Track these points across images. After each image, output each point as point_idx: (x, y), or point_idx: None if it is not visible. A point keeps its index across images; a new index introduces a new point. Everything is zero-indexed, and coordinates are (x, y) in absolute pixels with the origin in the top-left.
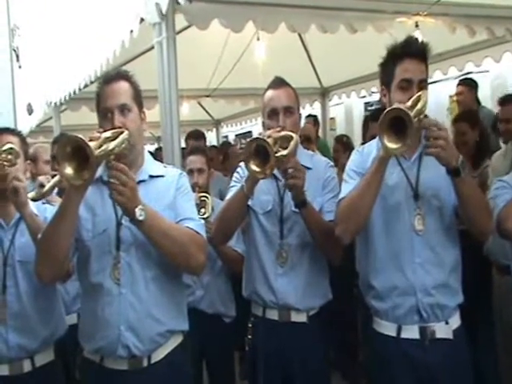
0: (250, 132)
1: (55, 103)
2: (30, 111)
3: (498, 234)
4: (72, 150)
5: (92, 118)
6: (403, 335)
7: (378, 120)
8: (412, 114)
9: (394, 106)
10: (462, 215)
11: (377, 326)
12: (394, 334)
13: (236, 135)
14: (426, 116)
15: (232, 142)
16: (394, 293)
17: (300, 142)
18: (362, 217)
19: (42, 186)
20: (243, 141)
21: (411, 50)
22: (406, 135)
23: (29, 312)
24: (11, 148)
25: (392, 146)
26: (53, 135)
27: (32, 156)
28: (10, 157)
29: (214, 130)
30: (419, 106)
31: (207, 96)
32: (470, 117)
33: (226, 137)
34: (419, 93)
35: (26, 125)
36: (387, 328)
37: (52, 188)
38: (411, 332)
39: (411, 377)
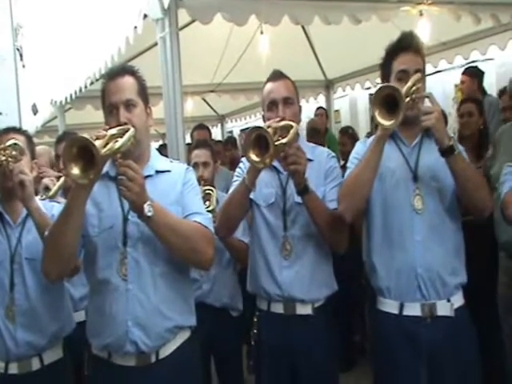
0: None
1: (60, 102)
2: (35, 111)
3: (504, 220)
4: (78, 150)
5: (97, 116)
6: (405, 312)
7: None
8: (403, 91)
9: (384, 84)
10: (460, 193)
11: (380, 304)
12: (396, 311)
13: (241, 130)
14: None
15: (237, 137)
16: (396, 270)
17: (310, 135)
18: (363, 193)
19: (47, 188)
20: None
21: (405, 45)
22: (398, 109)
23: (37, 309)
24: (15, 144)
25: (385, 122)
26: (58, 135)
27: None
28: (14, 153)
29: (219, 125)
30: (409, 83)
31: (211, 91)
32: (478, 101)
33: (231, 132)
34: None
35: (31, 125)
36: (390, 306)
37: (58, 190)
38: (413, 309)
39: (413, 353)
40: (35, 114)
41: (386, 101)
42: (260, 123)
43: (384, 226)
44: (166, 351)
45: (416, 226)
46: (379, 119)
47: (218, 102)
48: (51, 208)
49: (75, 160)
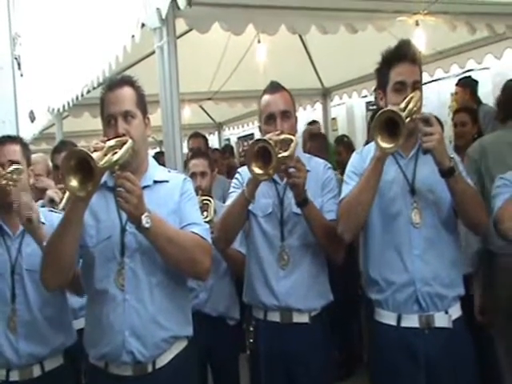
0: (251, 134)
1: (58, 110)
2: (33, 118)
3: (496, 234)
4: (76, 162)
5: (94, 124)
6: (403, 324)
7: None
8: (404, 114)
9: (386, 108)
10: (457, 210)
11: (378, 316)
12: (394, 323)
13: (238, 138)
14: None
15: (234, 145)
16: (394, 283)
17: (313, 140)
18: (362, 213)
19: (52, 200)
20: (245, 143)
21: (403, 55)
22: (399, 135)
23: (38, 320)
24: (17, 168)
25: (386, 145)
26: (55, 142)
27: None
28: (15, 176)
29: (216, 133)
30: (411, 105)
31: (209, 99)
32: (471, 110)
33: (228, 140)
34: (411, 94)
35: (28, 132)
36: (388, 317)
37: (67, 203)
38: (411, 321)
39: (411, 365)
40: (32, 122)
41: (386, 123)
42: (257, 131)
43: (382, 240)
44: (162, 361)
45: (414, 240)
46: (380, 142)
47: (216, 109)
48: (51, 218)
49: (73, 172)
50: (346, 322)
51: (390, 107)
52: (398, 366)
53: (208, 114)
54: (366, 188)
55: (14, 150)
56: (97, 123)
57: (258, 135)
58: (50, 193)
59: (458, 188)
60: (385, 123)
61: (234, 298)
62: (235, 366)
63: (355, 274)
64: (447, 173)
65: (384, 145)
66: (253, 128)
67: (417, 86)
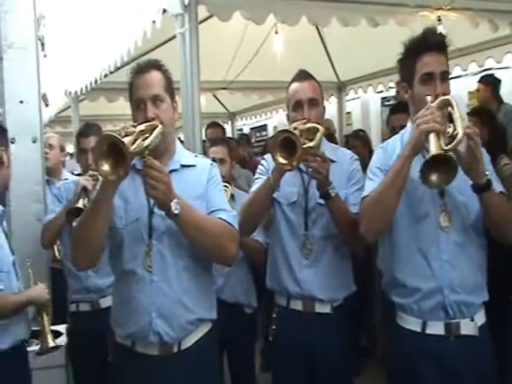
0: (265, 125)
1: (75, 93)
2: (46, 101)
3: None
4: (108, 147)
5: (109, 109)
6: (428, 331)
7: (397, 112)
8: (450, 146)
9: (435, 154)
10: (488, 223)
11: (400, 320)
12: (418, 329)
13: (251, 128)
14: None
15: (248, 135)
16: (420, 290)
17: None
18: (386, 215)
19: (84, 189)
20: (258, 134)
21: (430, 43)
22: (450, 172)
23: None
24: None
25: (433, 177)
26: (70, 125)
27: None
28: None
29: (229, 122)
30: (455, 142)
31: (223, 88)
32: (481, 113)
33: (241, 130)
34: (455, 116)
35: (45, 114)
36: (412, 323)
37: None
38: (436, 328)
39: (435, 372)
40: (47, 106)
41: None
42: (270, 122)
43: (407, 242)
44: (187, 342)
45: (442, 245)
46: (432, 179)
47: (230, 99)
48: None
49: (105, 157)
50: (360, 315)
51: (436, 151)
52: (421, 374)
53: (222, 104)
54: (390, 188)
55: None
56: (112, 108)
57: (271, 126)
58: (82, 181)
59: (491, 202)
60: (433, 162)
61: (250, 285)
62: (251, 354)
63: (372, 269)
64: (483, 188)
65: (432, 177)
66: (266, 119)
67: (446, 76)
